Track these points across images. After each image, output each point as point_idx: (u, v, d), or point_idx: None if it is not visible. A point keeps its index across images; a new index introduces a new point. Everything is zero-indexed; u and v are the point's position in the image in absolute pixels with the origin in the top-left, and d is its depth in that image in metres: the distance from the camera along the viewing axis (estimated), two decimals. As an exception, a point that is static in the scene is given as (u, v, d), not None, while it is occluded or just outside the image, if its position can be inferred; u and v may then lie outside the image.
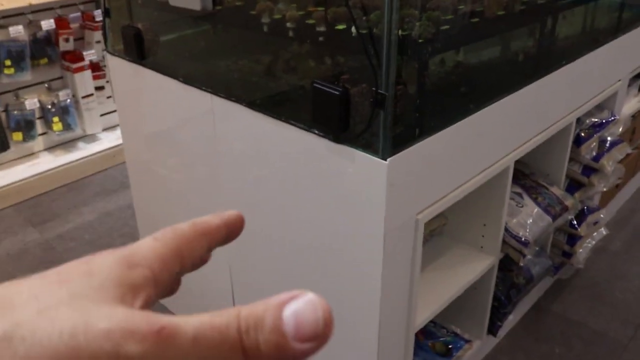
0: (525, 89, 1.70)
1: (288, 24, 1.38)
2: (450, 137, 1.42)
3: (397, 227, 1.34)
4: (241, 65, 1.62)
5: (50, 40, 3.43)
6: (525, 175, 2.07)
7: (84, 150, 3.56)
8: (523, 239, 1.87)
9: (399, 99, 1.26)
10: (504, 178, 1.73)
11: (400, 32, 1.21)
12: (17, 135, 3.38)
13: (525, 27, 1.77)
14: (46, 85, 3.48)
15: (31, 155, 3.47)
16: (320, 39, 1.33)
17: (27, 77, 3.34)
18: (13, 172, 3.35)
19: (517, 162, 1.84)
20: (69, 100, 3.51)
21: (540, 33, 1.84)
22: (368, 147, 1.26)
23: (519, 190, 2.00)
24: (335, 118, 1.26)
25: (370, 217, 1.30)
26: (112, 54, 2.08)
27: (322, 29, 1.32)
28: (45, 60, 3.43)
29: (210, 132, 1.68)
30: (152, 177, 2.12)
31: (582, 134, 2.20)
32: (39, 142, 3.49)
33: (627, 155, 2.51)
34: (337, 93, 1.24)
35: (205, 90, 1.62)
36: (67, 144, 3.59)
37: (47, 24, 3.37)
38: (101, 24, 2.63)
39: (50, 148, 3.54)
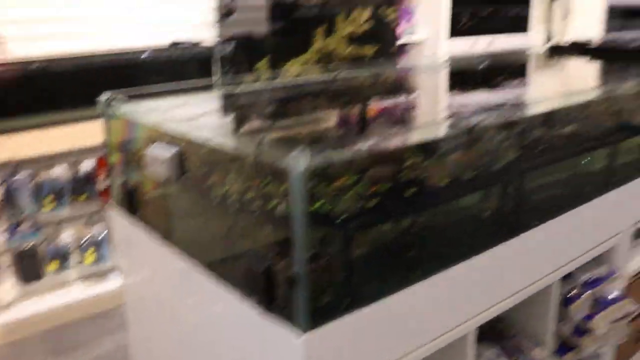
0: (489, 252, 1.70)
1: (232, 198, 1.47)
2: (390, 306, 1.43)
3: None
4: (195, 229, 1.72)
5: (90, 178, 3.68)
6: (507, 336, 2.02)
7: (114, 282, 3.71)
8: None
9: (323, 271, 1.30)
10: (463, 347, 1.70)
11: (323, 206, 1.27)
12: (53, 266, 3.58)
13: (486, 190, 1.80)
14: (84, 219, 3.71)
15: (63, 284, 3.65)
16: (256, 213, 1.41)
17: (66, 211, 3.57)
18: (44, 300, 3.52)
19: (499, 321, 1.80)
20: (103, 234, 3.71)
21: (503, 196, 1.86)
22: (289, 320, 1.29)
23: (498, 352, 1.94)
24: (258, 291, 1.31)
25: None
26: (114, 206, 2.23)
27: (257, 203, 1.40)
28: (85, 196, 3.67)
29: (176, 292, 1.76)
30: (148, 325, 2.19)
31: (573, 292, 2.14)
32: (72, 273, 3.67)
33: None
34: (260, 268, 1.30)
35: (171, 246, 1.71)
36: (99, 275, 3.75)
37: (88, 164, 3.64)
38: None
39: (82, 278, 3.71)
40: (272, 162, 1.22)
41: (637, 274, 2.56)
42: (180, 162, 1.64)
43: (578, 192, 2.15)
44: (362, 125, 2.02)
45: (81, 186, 3.65)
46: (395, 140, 1.40)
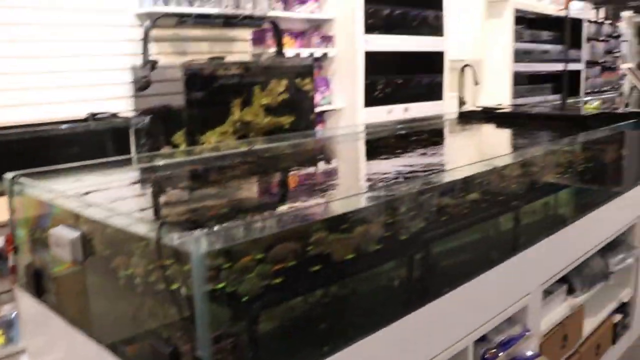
0: (403, 320, 1.71)
1: (137, 279, 1.45)
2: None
3: None
4: (102, 311, 1.67)
5: (1, 255, 3.53)
6: (425, 403, 2.03)
7: (25, 365, 3.52)
8: None
9: (230, 352, 1.29)
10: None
11: (227, 286, 1.26)
12: (-42, 351, 3.37)
13: (397, 259, 1.83)
14: (-7, 299, 3.53)
15: (-30, 371, 3.43)
16: (160, 294, 1.39)
17: (-27, 292, 3.39)
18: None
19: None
20: (14, 315, 3.53)
21: (413, 264, 1.90)
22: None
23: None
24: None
25: None
26: (20, 288, 2.15)
27: (161, 285, 1.38)
28: (-6, 275, 3.50)
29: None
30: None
31: (489, 354, 2.18)
32: (-20, 358, 3.46)
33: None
34: (166, 350, 1.28)
35: (79, 329, 1.66)
36: (9, 358, 3.55)
37: (-1, 240, 3.49)
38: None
39: (-9, 363, 3.51)
40: (172, 245, 1.21)
41: (549, 332, 2.64)
42: (85, 245, 1.60)
43: (486, 256, 2.22)
44: (277, 198, 2.04)
45: (-10, 265, 3.49)
46: (301, 216, 1.42)
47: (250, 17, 4.20)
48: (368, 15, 4.94)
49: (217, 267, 1.24)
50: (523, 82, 7.62)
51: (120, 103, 3.98)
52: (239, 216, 1.55)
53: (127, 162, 2.53)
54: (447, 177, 2.15)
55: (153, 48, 4.07)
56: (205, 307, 1.19)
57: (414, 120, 3.72)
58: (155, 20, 3.81)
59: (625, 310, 3.39)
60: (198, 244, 1.14)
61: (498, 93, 6.92)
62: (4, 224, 3.48)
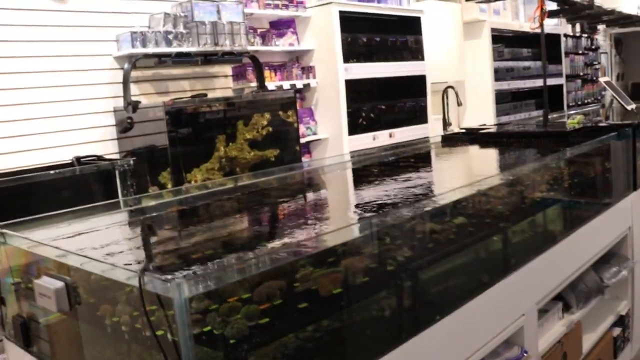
0: (399, 349, 1.69)
1: (123, 326, 1.42)
2: None
3: None
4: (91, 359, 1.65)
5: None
6: None
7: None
8: None
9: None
10: None
11: (209, 330, 1.24)
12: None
13: (388, 289, 1.82)
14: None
15: None
16: (147, 339, 1.37)
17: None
18: None
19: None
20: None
21: (405, 293, 1.88)
22: None
23: None
24: None
25: None
26: (9, 339, 2.11)
27: (147, 330, 1.36)
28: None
29: None
30: None
31: (487, 378, 2.16)
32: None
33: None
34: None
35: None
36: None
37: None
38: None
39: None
40: (155, 291, 1.19)
41: (548, 351, 2.61)
42: (70, 294, 1.58)
43: (478, 279, 2.21)
44: (263, 235, 2.02)
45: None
46: (285, 254, 1.40)
47: (229, 53, 4.22)
48: (346, 44, 4.98)
49: (202, 310, 1.22)
50: (506, 99, 7.68)
51: (104, 145, 3.98)
52: (224, 256, 1.53)
53: (113, 206, 2.51)
54: (434, 202, 2.14)
55: (134, 89, 4.08)
56: (191, 351, 1.17)
57: (398, 146, 3.72)
58: (135, 61, 3.82)
59: (624, 323, 3.37)
60: (180, 289, 1.12)
61: (482, 112, 6.96)
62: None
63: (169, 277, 1.16)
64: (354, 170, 3.21)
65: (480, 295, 2.07)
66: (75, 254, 1.63)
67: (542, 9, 4.00)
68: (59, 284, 1.59)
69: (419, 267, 1.92)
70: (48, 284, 1.63)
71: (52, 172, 3.61)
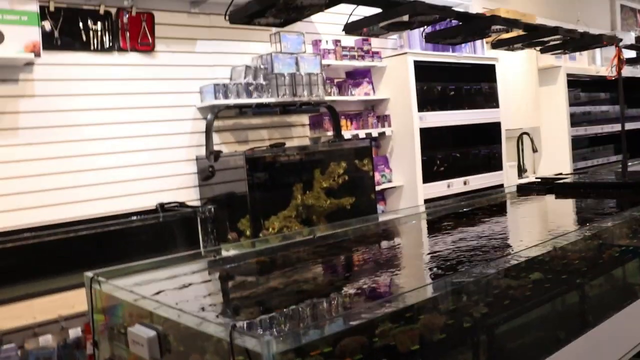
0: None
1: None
2: None
3: None
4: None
5: (78, 345, 3.66)
6: None
7: None
8: None
9: None
10: None
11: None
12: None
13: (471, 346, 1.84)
14: (71, 390, 3.63)
15: None
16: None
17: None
18: None
19: None
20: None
21: (481, 352, 1.89)
22: None
23: None
24: None
25: None
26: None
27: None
28: (73, 365, 3.63)
29: None
30: None
31: None
32: None
33: None
34: None
35: None
36: None
37: (76, 330, 3.63)
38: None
39: None
40: (244, 346, 1.27)
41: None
42: (161, 343, 1.68)
43: (555, 336, 2.19)
44: (344, 289, 2.08)
45: (70, 353, 3.62)
46: (366, 312, 1.46)
47: (307, 104, 4.36)
48: (421, 93, 5.06)
49: (286, 364, 1.29)
50: (584, 145, 7.53)
51: (187, 192, 4.15)
52: (306, 310, 1.61)
53: (196, 256, 2.63)
54: (511, 259, 2.16)
55: (216, 138, 4.26)
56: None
57: (473, 196, 3.73)
58: (217, 112, 4.00)
59: None
60: (269, 346, 1.20)
61: (558, 158, 6.85)
62: (81, 315, 3.63)
63: (257, 332, 1.23)
64: (430, 222, 3.24)
65: (555, 353, 2.05)
66: (166, 304, 1.74)
67: (619, 58, 3.98)
68: (152, 333, 1.70)
69: (494, 324, 1.94)
70: (141, 332, 1.74)
71: (135, 217, 3.80)
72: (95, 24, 3.84)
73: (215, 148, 4.03)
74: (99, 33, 3.85)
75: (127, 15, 3.94)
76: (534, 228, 3.01)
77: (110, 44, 3.88)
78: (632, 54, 6.14)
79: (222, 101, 4.08)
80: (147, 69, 4.02)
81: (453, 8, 3.25)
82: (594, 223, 2.64)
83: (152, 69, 4.04)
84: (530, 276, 2.20)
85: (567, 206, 3.44)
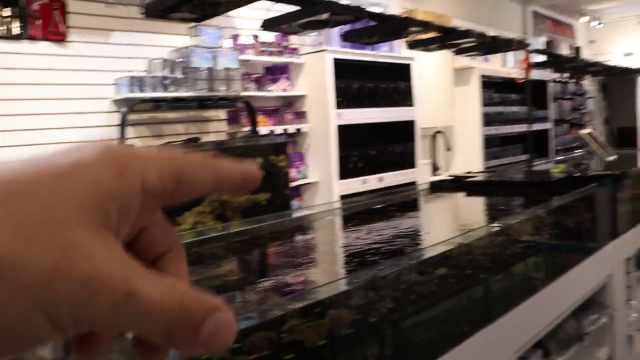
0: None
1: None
2: None
3: None
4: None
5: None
6: None
7: None
8: None
9: None
10: None
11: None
12: None
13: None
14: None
15: None
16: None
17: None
18: None
19: None
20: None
21: (379, 347, 1.95)
22: None
23: None
24: None
25: None
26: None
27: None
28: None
29: None
30: None
31: None
32: None
33: None
34: None
35: None
36: None
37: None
38: None
39: None
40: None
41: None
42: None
43: (458, 329, 2.28)
44: (253, 283, 2.10)
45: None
46: (274, 307, 1.48)
47: (224, 99, 4.34)
48: (339, 90, 5.12)
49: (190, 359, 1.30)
50: (495, 143, 7.83)
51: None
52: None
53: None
54: (421, 255, 2.23)
55: (131, 132, 4.18)
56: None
57: (387, 193, 3.81)
58: (133, 105, 3.93)
59: (604, 370, 3.43)
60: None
61: (470, 156, 7.10)
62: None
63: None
64: (344, 217, 3.29)
65: (460, 345, 2.14)
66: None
67: (527, 62, 4.17)
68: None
69: (401, 318, 2.00)
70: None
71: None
72: (3, 8, 3.69)
73: (130, 142, 3.95)
74: (9, 19, 3.70)
75: (38, 3, 3.81)
76: (443, 225, 3.12)
77: (21, 31, 3.74)
78: (541, 57, 6.44)
79: (137, 94, 4.01)
80: (59, 58, 3.89)
81: (370, 8, 3.32)
82: (499, 220, 2.76)
83: (65, 59, 3.92)
84: (437, 271, 2.28)
85: (476, 203, 3.57)
